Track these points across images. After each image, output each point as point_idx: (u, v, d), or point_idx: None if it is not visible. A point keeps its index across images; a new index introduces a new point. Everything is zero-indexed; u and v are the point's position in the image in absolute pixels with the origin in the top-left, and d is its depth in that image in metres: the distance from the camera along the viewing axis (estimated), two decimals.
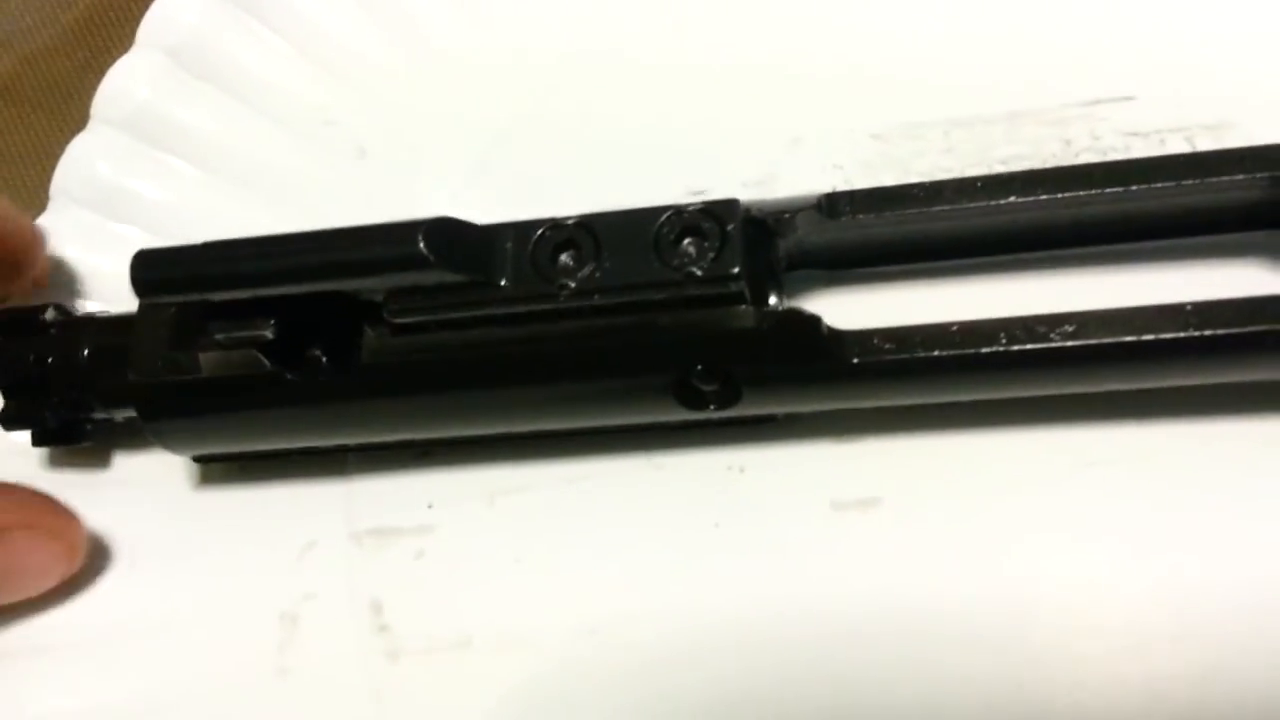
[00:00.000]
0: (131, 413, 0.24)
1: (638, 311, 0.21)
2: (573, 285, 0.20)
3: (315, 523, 0.25)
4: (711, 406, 0.22)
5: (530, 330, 0.21)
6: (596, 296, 0.20)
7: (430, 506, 0.25)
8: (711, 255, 0.20)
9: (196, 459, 0.25)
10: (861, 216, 0.21)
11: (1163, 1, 0.25)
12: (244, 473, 0.26)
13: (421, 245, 0.19)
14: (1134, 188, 0.20)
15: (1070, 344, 0.20)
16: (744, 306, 0.20)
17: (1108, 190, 0.20)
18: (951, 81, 0.26)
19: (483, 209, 0.22)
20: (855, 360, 0.20)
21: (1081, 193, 0.20)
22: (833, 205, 0.21)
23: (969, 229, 0.22)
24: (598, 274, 0.20)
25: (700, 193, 0.24)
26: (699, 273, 0.20)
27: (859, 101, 0.26)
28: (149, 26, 0.30)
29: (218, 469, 0.26)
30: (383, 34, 0.30)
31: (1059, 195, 0.20)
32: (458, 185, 0.28)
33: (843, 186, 0.25)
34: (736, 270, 0.20)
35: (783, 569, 0.22)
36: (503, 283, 0.21)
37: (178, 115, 0.29)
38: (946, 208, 0.21)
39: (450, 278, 0.20)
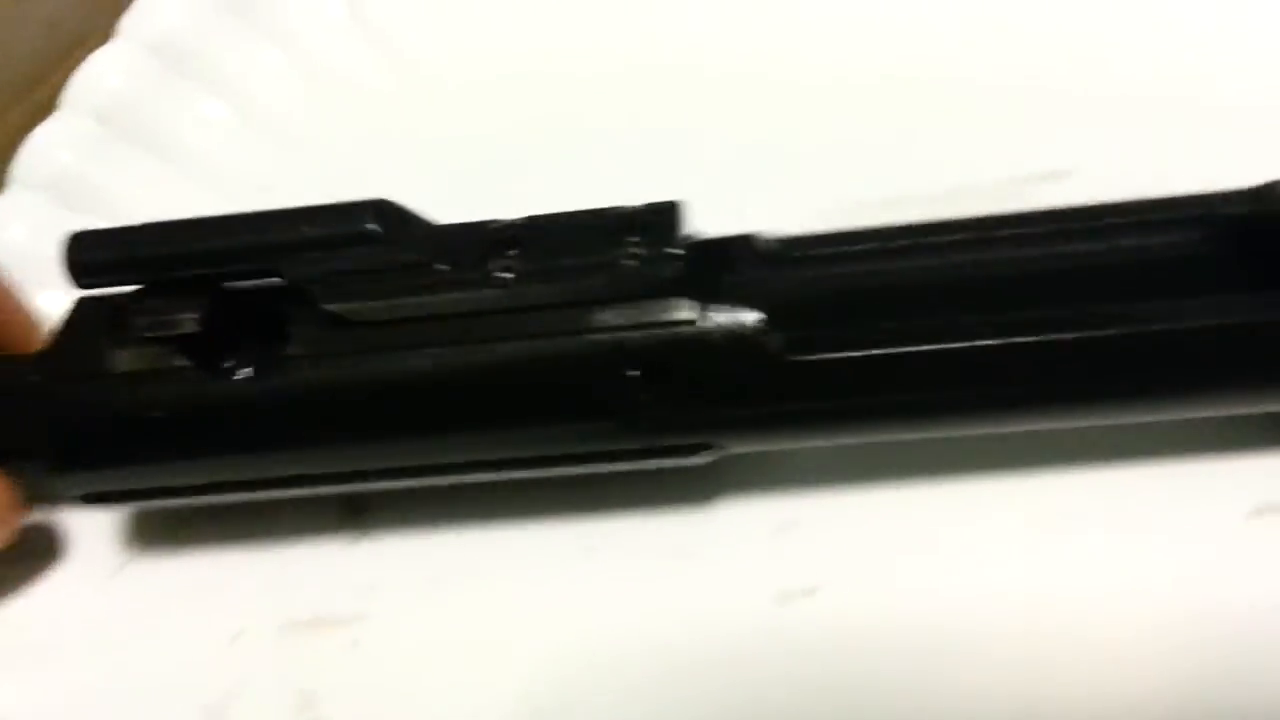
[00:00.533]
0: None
1: (577, 303, 0.20)
2: (513, 275, 0.20)
3: (244, 609, 0.24)
4: (648, 412, 0.20)
5: (471, 323, 0.20)
6: (537, 285, 0.20)
7: (366, 590, 0.24)
8: (655, 249, 0.20)
9: (88, 498, 0.23)
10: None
11: (1096, 77, 0.26)
12: (169, 549, 0.25)
13: (371, 222, 0.20)
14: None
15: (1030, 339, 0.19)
16: (684, 303, 0.20)
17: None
18: (894, 158, 0.26)
19: None
20: (797, 358, 0.20)
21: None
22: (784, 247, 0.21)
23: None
24: (540, 264, 0.20)
25: None
26: (640, 261, 0.20)
27: (804, 179, 0.26)
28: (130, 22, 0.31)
29: (140, 542, 0.25)
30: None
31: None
32: None
33: None
34: (680, 253, 0.20)
35: (729, 659, 0.22)
36: (445, 268, 0.20)
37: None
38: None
39: (397, 257, 0.20)
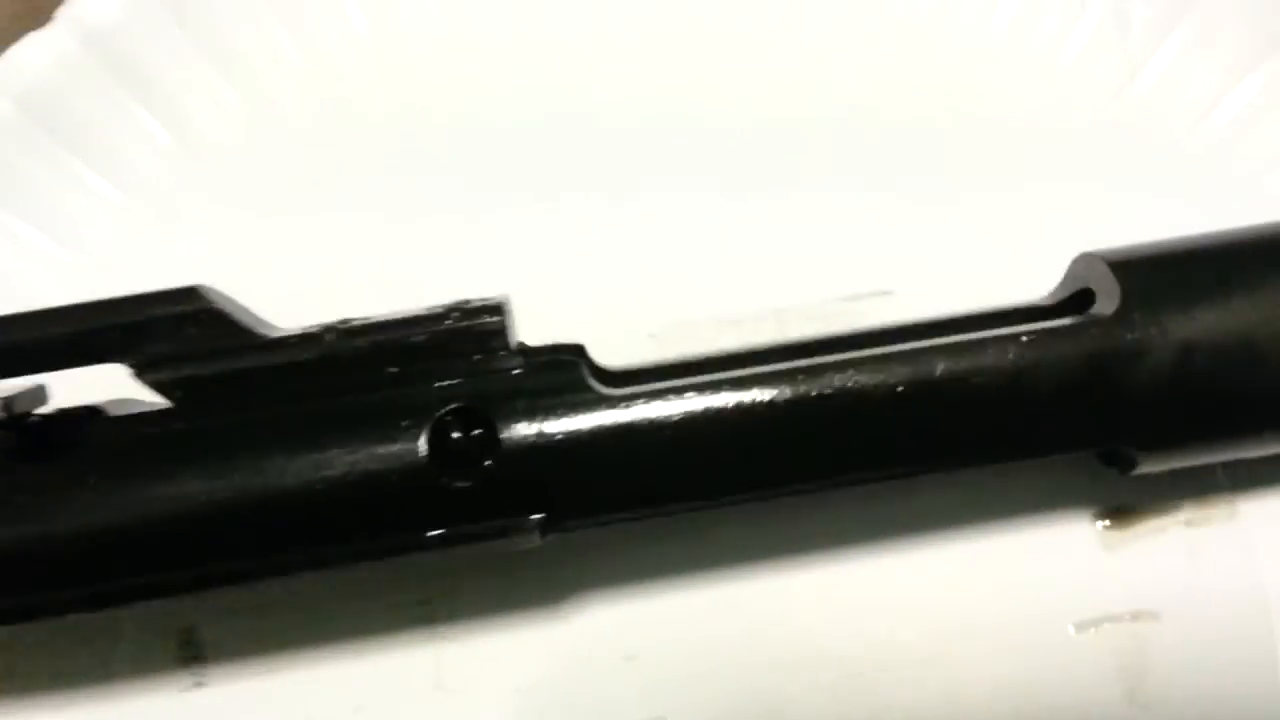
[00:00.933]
0: None
1: (397, 353, 0.20)
2: (339, 329, 0.21)
3: None
4: (466, 459, 0.20)
5: (295, 383, 0.20)
6: (360, 340, 0.21)
7: None
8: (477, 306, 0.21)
9: None
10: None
11: (915, 199, 0.27)
12: None
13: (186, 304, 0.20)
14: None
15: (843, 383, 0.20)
16: (503, 349, 0.21)
17: None
18: (721, 281, 0.26)
19: None
20: (618, 394, 0.20)
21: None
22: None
23: None
24: (363, 321, 0.21)
25: None
26: (461, 312, 0.21)
27: (636, 302, 0.26)
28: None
29: None
30: None
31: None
32: None
33: None
34: (498, 303, 0.21)
35: None
36: (269, 335, 0.21)
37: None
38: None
39: (225, 330, 0.20)
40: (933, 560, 0.23)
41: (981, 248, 0.26)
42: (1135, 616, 0.22)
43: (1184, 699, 0.22)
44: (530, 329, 0.26)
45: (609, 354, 0.25)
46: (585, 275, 0.26)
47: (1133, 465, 0.21)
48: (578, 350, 0.21)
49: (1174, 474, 0.23)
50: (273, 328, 0.21)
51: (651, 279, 0.26)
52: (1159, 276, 0.21)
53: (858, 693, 0.22)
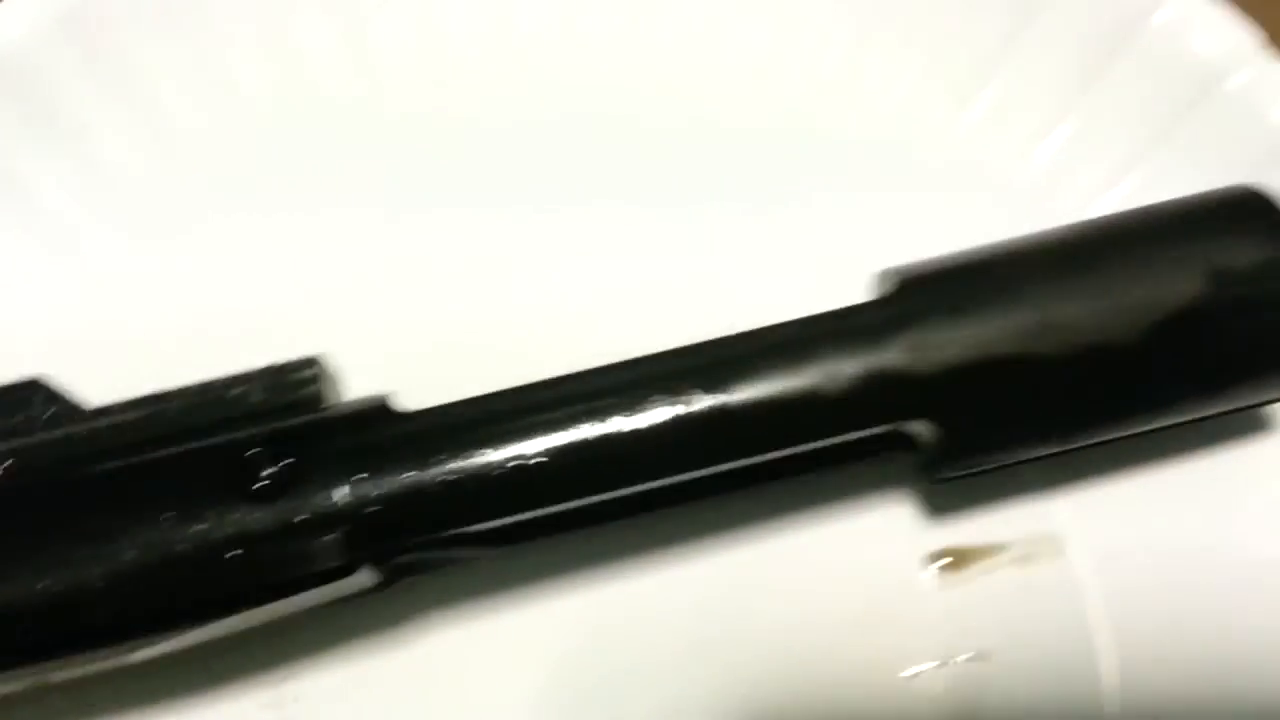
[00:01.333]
0: None
1: (201, 396, 0.21)
2: (157, 396, 0.21)
3: None
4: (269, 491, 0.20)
5: (110, 451, 0.21)
6: (174, 404, 0.21)
7: None
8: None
9: None
10: None
11: (748, 216, 0.27)
12: None
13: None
14: None
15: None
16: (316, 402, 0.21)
17: None
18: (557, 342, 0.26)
19: None
20: (420, 428, 0.20)
21: None
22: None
23: None
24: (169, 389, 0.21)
25: None
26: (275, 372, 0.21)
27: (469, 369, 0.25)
28: None
29: None
30: None
31: None
32: None
33: None
34: (312, 358, 0.21)
35: None
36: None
37: None
38: None
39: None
40: (763, 614, 0.23)
41: (804, 267, 0.26)
42: (967, 658, 0.22)
43: None
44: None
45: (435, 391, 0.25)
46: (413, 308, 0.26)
47: (938, 465, 0.21)
48: (383, 402, 0.21)
49: (1001, 512, 0.24)
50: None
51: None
52: (943, 283, 0.21)
53: None
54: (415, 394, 0.21)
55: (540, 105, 0.28)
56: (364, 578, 0.20)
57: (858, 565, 0.23)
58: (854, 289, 0.22)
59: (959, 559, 0.23)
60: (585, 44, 0.29)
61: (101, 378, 0.22)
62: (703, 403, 0.20)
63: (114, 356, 0.24)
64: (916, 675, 0.22)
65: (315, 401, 0.21)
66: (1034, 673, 0.22)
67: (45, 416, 0.21)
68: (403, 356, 0.24)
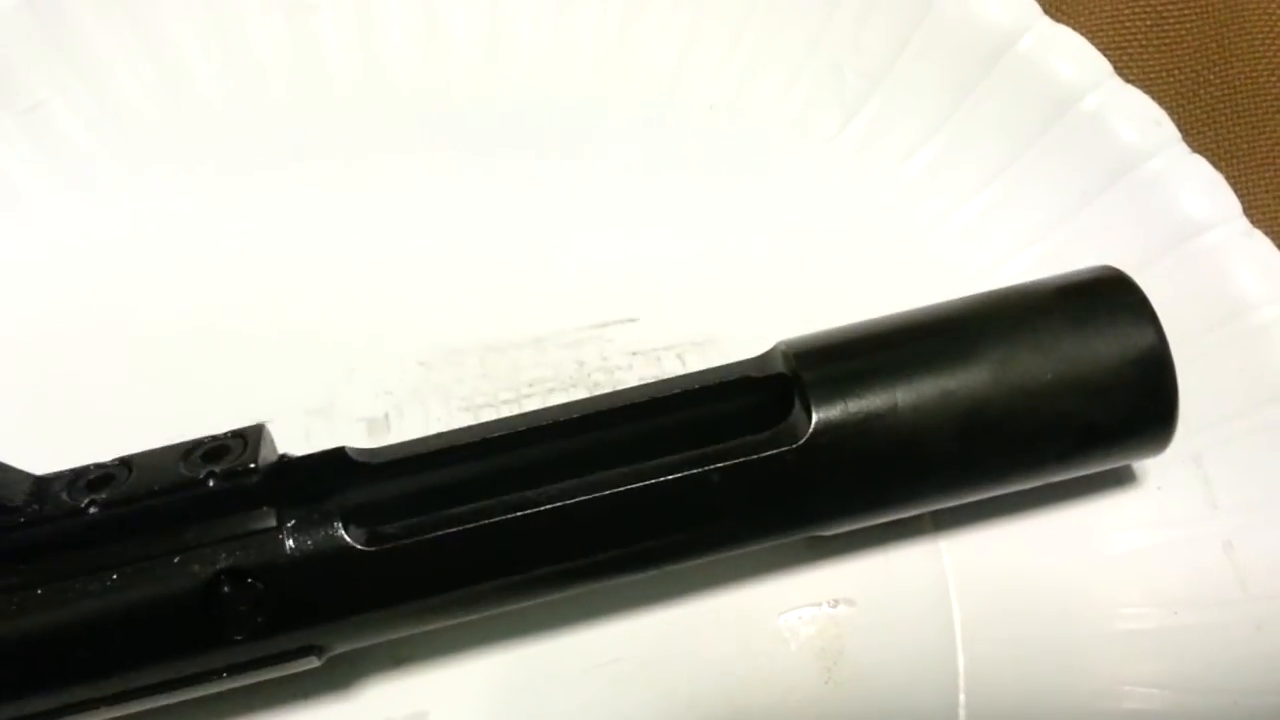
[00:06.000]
0: None
1: (161, 519, 0.21)
2: (100, 500, 0.21)
3: None
4: (246, 623, 0.21)
5: (58, 560, 0.21)
6: (121, 509, 0.21)
7: None
8: (237, 469, 0.21)
9: None
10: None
11: (655, 231, 0.30)
12: None
13: None
14: None
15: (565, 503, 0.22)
16: (264, 512, 0.22)
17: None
18: (485, 310, 0.29)
19: None
20: (379, 549, 0.22)
21: None
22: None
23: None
24: (125, 489, 0.21)
25: (268, 420, 0.24)
26: (219, 471, 0.21)
27: (406, 331, 0.28)
28: None
29: None
30: None
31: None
32: None
33: (393, 412, 0.27)
34: (254, 465, 0.21)
35: None
36: (37, 508, 0.21)
37: None
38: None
39: None
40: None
41: (712, 279, 0.29)
42: (834, 603, 0.26)
43: (873, 677, 0.25)
44: (314, 357, 0.28)
45: (383, 380, 0.28)
46: (359, 301, 0.29)
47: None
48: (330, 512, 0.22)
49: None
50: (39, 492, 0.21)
51: (421, 307, 0.29)
52: (835, 368, 0.23)
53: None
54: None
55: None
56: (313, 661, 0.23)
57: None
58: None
59: None
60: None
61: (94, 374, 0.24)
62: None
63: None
64: (788, 617, 0.26)
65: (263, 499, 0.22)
66: (892, 619, 0.26)
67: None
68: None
